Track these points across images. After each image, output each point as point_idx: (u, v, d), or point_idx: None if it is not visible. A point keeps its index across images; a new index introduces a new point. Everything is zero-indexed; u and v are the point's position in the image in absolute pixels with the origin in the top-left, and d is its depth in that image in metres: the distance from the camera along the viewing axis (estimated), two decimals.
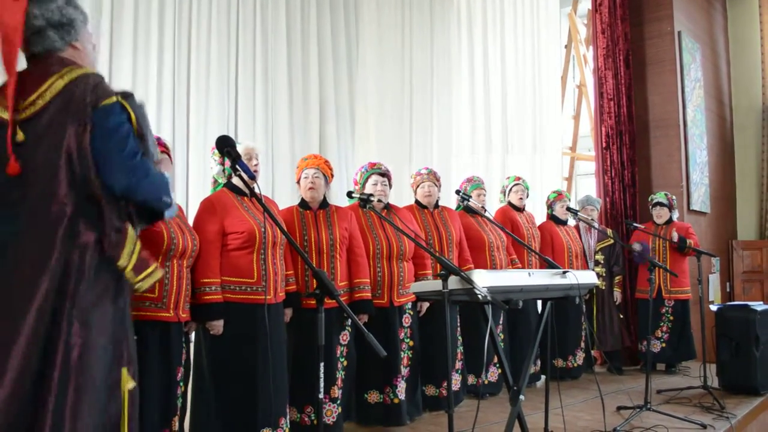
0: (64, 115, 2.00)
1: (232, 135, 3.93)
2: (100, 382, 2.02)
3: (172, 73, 7.06)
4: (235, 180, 3.52)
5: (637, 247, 5.87)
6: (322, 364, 2.12)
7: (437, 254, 3.02)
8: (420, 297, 3.35)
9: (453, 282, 2.68)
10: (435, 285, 2.76)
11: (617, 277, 6.11)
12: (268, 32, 7.88)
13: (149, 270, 2.14)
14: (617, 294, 6.09)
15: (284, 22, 8.04)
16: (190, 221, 3.49)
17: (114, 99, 2.04)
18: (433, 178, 4.73)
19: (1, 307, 1.94)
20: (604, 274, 6.02)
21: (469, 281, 2.57)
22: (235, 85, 7.67)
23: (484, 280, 2.60)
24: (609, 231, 6.17)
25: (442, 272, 2.63)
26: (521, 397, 3.04)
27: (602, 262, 6.03)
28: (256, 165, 3.54)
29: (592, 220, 6.02)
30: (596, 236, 6.07)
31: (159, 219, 2.30)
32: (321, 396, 2.12)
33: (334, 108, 8.55)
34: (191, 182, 6.99)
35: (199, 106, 7.12)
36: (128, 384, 2.09)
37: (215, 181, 3.68)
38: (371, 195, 3.74)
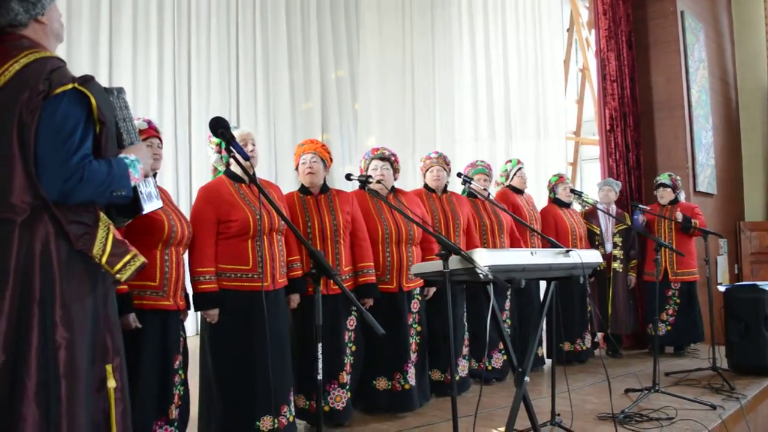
0: (15, 102, 1.92)
1: (234, 124, 3.90)
2: (88, 380, 1.98)
3: (173, 65, 7.05)
4: (233, 167, 3.48)
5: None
6: (320, 345, 2.08)
7: (438, 234, 2.97)
8: (421, 277, 3.31)
9: (454, 262, 2.64)
10: (436, 265, 2.72)
11: (633, 261, 6.07)
12: (268, 20, 7.86)
13: (127, 258, 2.06)
14: (632, 278, 6.05)
15: (284, 9, 8.02)
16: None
17: (69, 86, 1.94)
18: (443, 162, 4.70)
19: None
20: (621, 257, 5.98)
21: (470, 260, 2.53)
22: (236, 75, 7.66)
23: (485, 259, 2.56)
24: (626, 215, 6.12)
25: (443, 252, 2.59)
26: (526, 379, 3.00)
27: (620, 244, 5.98)
28: (252, 150, 3.50)
29: (605, 196, 5.98)
30: (613, 219, 6.02)
31: (138, 213, 2.24)
32: (320, 378, 2.07)
33: (336, 97, 8.53)
34: (194, 173, 7.00)
35: (200, 95, 7.12)
36: (111, 382, 2.03)
37: (215, 170, 3.65)
38: (369, 176, 3.70)
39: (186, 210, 3.57)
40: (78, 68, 5.78)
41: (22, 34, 2.05)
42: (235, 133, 3.50)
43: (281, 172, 7.70)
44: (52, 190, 1.90)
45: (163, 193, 3.22)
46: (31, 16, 2.06)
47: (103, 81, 6.18)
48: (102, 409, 2.03)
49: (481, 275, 2.55)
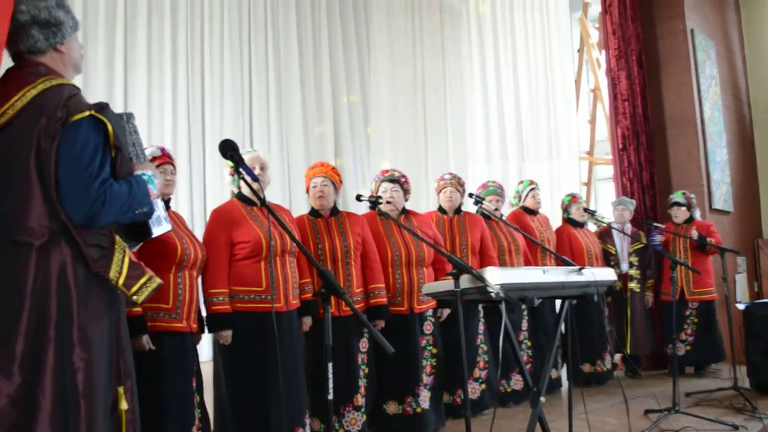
0: (32, 128, 1.94)
1: (247, 147, 3.93)
2: (104, 402, 1.99)
3: (186, 88, 7.13)
4: (244, 189, 3.51)
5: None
6: (330, 365, 2.06)
7: (449, 253, 2.96)
8: (433, 297, 3.29)
9: (465, 281, 2.62)
10: (447, 285, 2.71)
11: (650, 281, 6.00)
12: (280, 44, 7.93)
13: (143, 280, 2.08)
14: (649, 298, 5.98)
15: (295, 33, 8.09)
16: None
17: (87, 113, 1.98)
18: (456, 183, 4.71)
19: None
20: (638, 277, 5.92)
21: (481, 279, 2.51)
22: (249, 99, 7.72)
23: (496, 277, 2.54)
24: (641, 234, 6.07)
25: (454, 271, 2.57)
26: (542, 399, 2.96)
27: (636, 264, 5.92)
28: (260, 173, 3.52)
29: (609, 220, 5.93)
30: (629, 238, 5.97)
31: (147, 237, 2.26)
32: (330, 398, 2.05)
33: (348, 119, 8.57)
34: (209, 194, 7.03)
35: (214, 119, 7.18)
36: (123, 404, 2.04)
37: (232, 193, 3.67)
38: (379, 197, 3.70)
39: (200, 233, 3.60)
40: (93, 92, 5.88)
41: (39, 61, 2.09)
42: (246, 156, 3.53)
43: (294, 195, 7.71)
44: (77, 214, 1.93)
45: (177, 217, 3.26)
46: (50, 44, 2.10)
47: (118, 105, 6.25)
48: (114, 430, 2.03)
49: (492, 294, 2.53)
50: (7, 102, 1.97)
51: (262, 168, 3.52)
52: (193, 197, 6.99)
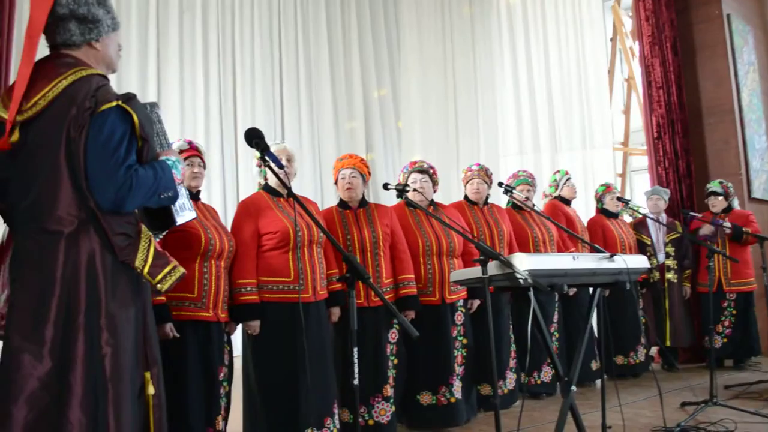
0: (63, 119, 1.98)
1: (278, 141, 3.96)
2: (131, 387, 2.02)
3: (218, 84, 7.24)
4: (271, 181, 3.53)
5: (705, 230, 5.68)
6: (356, 350, 2.05)
7: (476, 240, 2.93)
8: (461, 284, 3.27)
9: (493, 267, 2.59)
10: (475, 272, 2.68)
11: (687, 271, 5.88)
12: (310, 40, 7.98)
13: (168, 269, 2.11)
14: (686, 289, 5.86)
15: (325, 29, 8.14)
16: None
17: (114, 103, 2.01)
18: (483, 174, 4.66)
19: (20, 320, 1.94)
20: (675, 267, 5.80)
21: (509, 265, 2.48)
22: (280, 95, 7.79)
23: (524, 263, 2.51)
24: (677, 223, 5.95)
25: (481, 257, 2.54)
26: (573, 388, 2.91)
27: (672, 254, 5.81)
28: (286, 166, 3.53)
29: (644, 210, 5.82)
30: (664, 228, 5.86)
31: (171, 225, 2.28)
32: (356, 383, 2.04)
33: (379, 114, 8.58)
34: (241, 188, 7.12)
35: (245, 115, 7.27)
36: (150, 388, 2.08)
37: (259, 184, 3.68)
38: (406, 185, 3.69)
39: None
40: (127, 89, 5.99)
41: (72, 54, 2.13)
42: (272, 148, 3.54)
43: (326, 190, 7.76)
44: (105, 200, 1.96)
45: (206, 209, 3.29)
46: (85, 39, 2.14)
47: (152, 100, 6.37)
48: (141, 415, 2.06)
49: (520, 280, 2.49)
50: (39, 93, 2.01)
51: (289, 160, 3.52)
52: (226, 191, 7.10)
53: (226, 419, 3.16)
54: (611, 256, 2.93)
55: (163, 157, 2.16)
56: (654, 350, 6.00)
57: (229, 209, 6.89)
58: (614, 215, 5.71)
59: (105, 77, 2.12)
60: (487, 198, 4.69)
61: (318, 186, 7.89)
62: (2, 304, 2.15)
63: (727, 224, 5.69)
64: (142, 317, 2.11)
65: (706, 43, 6.75)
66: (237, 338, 3.68)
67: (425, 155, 7.74)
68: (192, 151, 3.26)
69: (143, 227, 2.12)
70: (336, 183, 3.96)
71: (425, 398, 3.98)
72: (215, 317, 3.06)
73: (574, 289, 4.88)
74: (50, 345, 1.90)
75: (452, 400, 3.97)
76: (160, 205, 2.15)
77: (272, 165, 2.37)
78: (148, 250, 2.08)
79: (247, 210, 3.44)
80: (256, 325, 3.28)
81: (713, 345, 4.63)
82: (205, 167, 3.36)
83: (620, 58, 8.82)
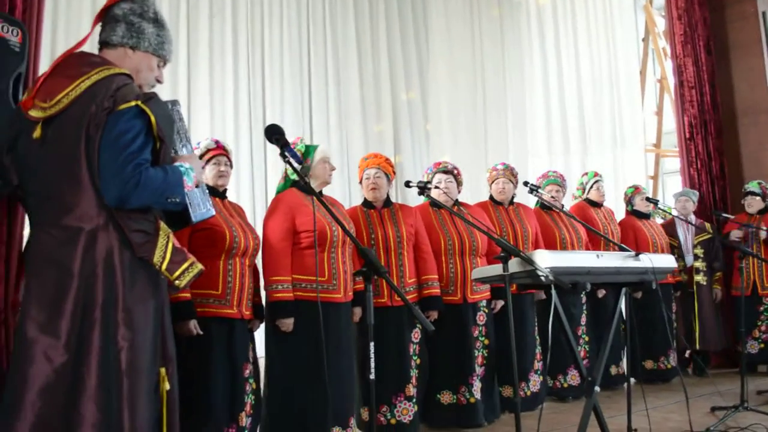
0: (83, 117, 2.01)
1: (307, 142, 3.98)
2: (147, 382, 2.04)
3: (247, 87, 7.30)
4: (302, 180, 3.51)
5: (735, 234, 5.56)
6: (372, 344, 2.04)
7: (497, 236, 2.90)
8: (482, 282, 3.24)
9: (515, 265, 2.57)
10: (497, 269, 2.66)
11: (717, 274, 5.76)
12: (338, 43, 8.00)
13: (185, 265, 2.11)
14: (717, 291, 5.74)
15: (353, 31, 8.15)
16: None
17: (133, 103, 2.02)
18: (509, 174, 4.63)
19: (36, 312, 1.97)
20: (704, 269, 5.69)
21: (530, 262, 2.46)
22: (308, 95, 7.83)
23: (546, 260, 2.48)
24: (707, 224, 5.84)
25: (502, 254, 2.52)
26: (596, 388, 2.87)
27: (702, 256, 5.69)
28: (333, 169, 3.56)
29: (683, 207, 5.71)
30: (693, 230, 5.75)
31: (188, 224, 2.28)
32: (372, 377, 2.04)
33: (407, 116, 8.56)
34: (270, 190, 7.15)
35: (275, 117, 7.31)
36: (165, 385, 2.09)
37: (286, 174, 3.65)
38: (428, 182, 3.68)
39: (260, 223, 3.65)
40: (159, 92, 6.10)
41: (102, 55, 2.18)
42: (319, 150, 3.56)
43: (354, 193, 7.76)
44: (110, 195, 1.98)
45: (232, 207, 3.31)
46: (123, 43, 2.19)
47: (182, 100, 6.44)
48: (155, 411, 2.08)
49: (542, 277, 2.46)
50: (62, 91, 2.04)
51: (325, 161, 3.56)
52: (255, 192, 7.15)
53: (252, 416, 3.16)
54: (636, 255, 2.88)
55: (177, 164, 2.16)
56: (687, 354, 5.88)
57: (258, 209, 6.94)
58: (646, 216, 5.62)
59: (129, 76, 2.14)
60: (513, 198, 4.65)
61: (346, 187, 7.91)
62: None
63: (764, 228, 5.56)
64: (160, 314, 2.13)
65: (741, 41, 6.62)
66: (259, 338, 3.69)
67: (453, 157, 7.70)
68: (219, 150, 3.30)
69: (162, 224, 2.13)
70: (361, 182, 3.96)
71: (446, 397, 3.96)
72: (239, 314, 3.08)
73: (603, 291, 4.81)
74: (66, 338, 1.92)
75: (472, 400, 3.94)
76: (166, 209, 2.14)
77: (292, 161, 2.37)
78: (167, 247, 2.09)
79: (281, 207, 3.42)
80: (289, 322, 3.26)
81: (745, 349, 4.53)
82: (232, 166, 3.37)
83: (653, 59, 8.69)
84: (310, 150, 3.48)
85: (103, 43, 2.20)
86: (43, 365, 1.91)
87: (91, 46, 2.27)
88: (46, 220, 2.04)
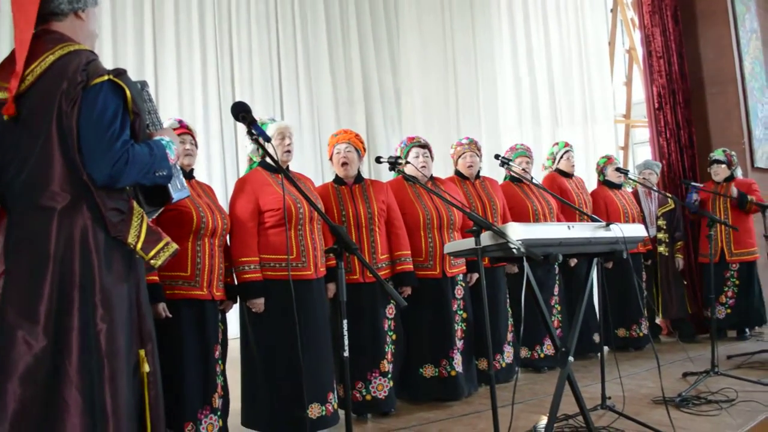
0: (53, 93, 1.97)
1: (278, 121, 3.91)
2: (126, 363, 2.01)
3: (216, 69, 7.19)
4: (269, 158, 3.49)
5: (692, 197, 5.66)
6: (345, 322, 2.03)
7: (470, 211, 2.90)
8: (455, 255, 3.25)
9: (487, 238, 2.56)
10: (469, 243, 2.65)
11: (679, 243, 5.84)
12: (308, 19, 7.92)
13: (161, 245, 2.09)
14: (679, 260, 5.82)
15: (323, 9, 8.07)
16: None
17: (105, 77, 1.99)
18: (474, 147, 4.61)
19: (15, 296, 1.93)
20: (667, 240, 5.76)
21: (502, 234, 2.45)
22: (278, 74, 7.74)
23: (518, 233, 2.47)
24: (669, 195, 5.89)
25: (474, 228, 2.51)
26: (570, 358, 2.88)
27: (664, 227, 5.76)
28: (289, 144, 3.51)
29: (645, 180, 5.75)
30: (657, 201, 5.81)
31: (167, 202, 2.26)
32: (346, 354, 2.03)
33: (378, 91, 8.52)
34: (241, 169, 7.09)
35: (244, 97, 7.21)
36: (145, 366, 2.07)
37: (250, 160, 3.66)
38: (399, 158, 3.66)
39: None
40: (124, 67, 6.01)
41: (58, 30, 2.11)
42: (273, 126, 3.52)
43: (327, 167, 7.72)
44: (100, 175, 1.95)
45: (200, 187, 3.27)
46: (72, 8, 2.12)
47: (149, 81, 6.37)
48: (136, 392, 2.06)
49: (513, 250, 2.46)
50: (27, 68, 1.99)
51: (290, 138, 3.53)
52: (227, 172, 7.08)
53: (223, 397, 3.15)
54: (607, 225, 2.89)
55: (157, 137, 2.15)
56: (660, 321, 5.99)
57: (229, 189, 6.90)
58: (617, 186, 5.67)
59: (94, 53, 2.10)
60: (479, 172, 4.64)
61: (318, 164, 7.86)
62: None
63: (734, 190, 5.63)
64: (136, 294, 2.10)
65: (708, 10, 6.65)
66: (232, 319, 3.68)
67: (426, 130, 7.68)
68: (183, 129, 3.24)
69: (135, 204, 2.10)
70: (331, 159, 3.93)
71: (428, 371, 3.98)
72: (210, 295, 3.05)
73: (575, 260, 4.85)
74: (44, 322, 1.89)
75: (453, 373, 3.97)
76: (154, 183, 2.12)
77: (260, 140, 2.33)
78: (141, 226, 2.07)
79: (246, 187, 3.42)
80: (260, 302, 3.28)
81: (714, 315, 4.61)
82: (197, 146, 3.33)
83: (621, 29, 8.71)
84: (263, 127, 3.43)
85: (50, 15, 2.10)
86: (23, 351, 1.87)
87: None
88: (23, 204, 2.00)
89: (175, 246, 2.14)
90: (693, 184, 5.62)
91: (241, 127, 6.93)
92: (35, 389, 1.86)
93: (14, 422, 1.84)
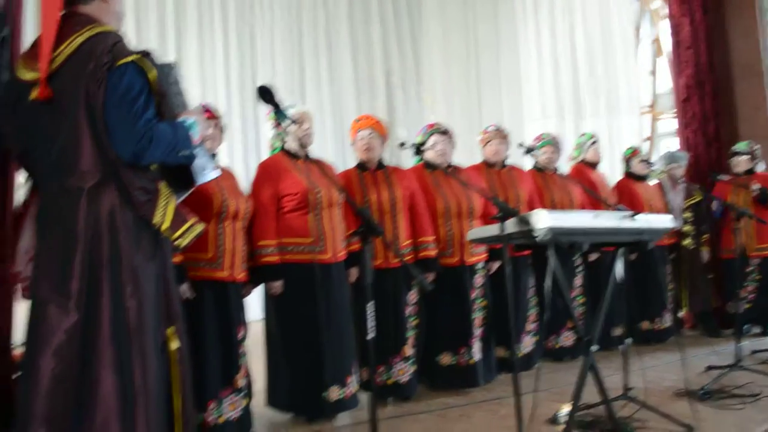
0: (81, 74, 1.99)
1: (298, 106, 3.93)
2: (154, 341, 2.04)
3: (238, 52, 7.21)
4: (289, 144, 3.52)
5: (715, 205, 5.57)
6: (371, 304, 2.02)
7: (494, 197, 2.88)
8: (479, 242, 3.24)
9: (512, 225, 2.54)
10: (493, 230, 2.63)
11: (705, 236, 5.76)
12: (329, 3, 7.89)
13: (187, 225, 2.12)
14: (705, 253, 5.74)
15: (345, 2, 8.04)
16: None
17: (131, 58, 2.02)
18: (501, 135, 4.58)
19: (47, 274, 1.97)
20: (693, 233, 5.68)
21: (527, 222, 2.43)
22: (299, 58, 7.75)
23: (543, 220, 2.45)
24: (696, 186, 5.81)
25: (499, 214, 2.49)
26: (593, 347, 2.86)
27: (690, 220, 5.68)
28: (307, 128, 3.52)
29: (672, 173, 5.66)
30: (683, 193, 5.73)
31: (192, 185, 2.27)
32: (371, 336, 2.03)
33: (401, 80, 8.49)
34: (263, 152, 7.12)
35: (266, 79, 7.23)
36: (174, 343, 2.10)
37: (272, 146, 3.68)
38: (423, 143, 3.66)
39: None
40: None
41: (85, 12, 2.13)
42: (292, 111, 3.53)
43: (348, 152, 7.71)
44: (125, 152, 1.98)
45: (224, 172, 3.27)
46: None
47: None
48: (164, 370, 2.09)
49: (538, 237, 2.44)
50: (56, 50, 2.02)
51: (309, 123, 3.54)
52: (248, 156, 7.12)
53: (246, 378, 3.18)
54: (633, 215, 2.85)
55: (182, 118, 2.17)
56: (683, 314, 5.92)
57: (251, 173, 6.93)
58: (642, 178, 5.60)
59: (120, 35, 2.12)
60: (504, 160, 4.61)
61: (339, 148, 7.87)
62: (25, 266, 2.18)
63: (756, 185, 5.54)
64: (163, 272, 2.13)
65: (737, 0, 6.52)
66: (254, 303, 3.71)
67: (448, 120, 7.65)
68: (207, 114, 3.24)
69: (163, 184, 2.13)
70: (354, 144, 3.93)
71: (445, 359, 3.98)
72: (232, 277, 3.08)
73: (597, 254, 4.82)
74: (76, 298, 1.93)
75: (471, 361, 3.96)
76: (178, 163, 2.15)
77: (284, 123, 2.33)
78: (167, 206, 2.09)
79: (267, 172, 3.46)
80: (278, 285, 3.32)
81: (739, 309, 4.55)
82: (222, 131, 3.33)
83: (647, 19, 8.59)
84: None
85: (75, 8, 2.13)
86: (56, 326, 1.91)
87: None
88: (53, 184, 2.03)
89: (201, 226, 2.17)
90: (719, 177, 5.53)
91: (263, 111, 6.97)
92: (67, 364, 1.90)
93: (48, 397, 1.87)
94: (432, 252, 3.86)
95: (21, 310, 2.20)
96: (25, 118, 2.08)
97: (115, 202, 2.00)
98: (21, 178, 2.30)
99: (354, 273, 3.62)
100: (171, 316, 2.13)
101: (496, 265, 4.22)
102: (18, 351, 2.33)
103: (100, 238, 1.97)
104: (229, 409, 3.03)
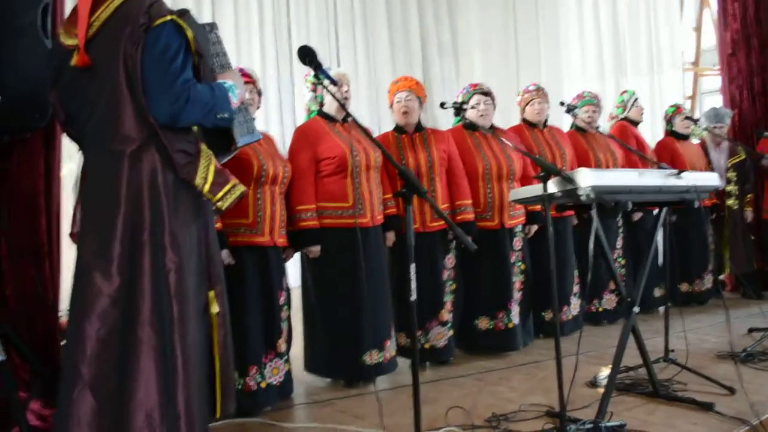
0: (118, 37, 1.98)
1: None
2: (195, 304, 2.05)
3: (272, 14, 7.17)
4: (327, 107, 3.49)
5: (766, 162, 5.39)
6: (413, 266, 2.01)
7: (536, 156, 2.83)
8: (520, 203, 3.19)
9: (554, 185, 2.50)
10: (535, 189, 2.59)
11: (748, 195, 5.61)
12: None
13: (228, 187, 2.10)
14: (748, 213, 5.60)
15: None
16: None
17: (168, 18, 1.99)
18: (542, 94, 4.48)
19: (90, 238, 1.99)
20: (736, 193, 5.54)
21: (571, 180, 2.39)
22: (334, 21, 7.69)
23: (587, 179, 2.40)
24: (740, 144, 5.64)
25: (541, 174, 2.44)
26: (635, 309, 2.82)
27: (734, 179, 5.54)
28: (346, 91, 3.47)
29: (717, 131, 5.50)
30: (727, 152, 5.57)
31: (233, 146, 2.26)
32: (413, 299, 2.02)
33: (437, 47, 8.38)
34: (298, 118, 7.12)
35: (300, 41, 7.20)
36: (214, 307, 2.11)
37: (308, 109, 3.64)
38: (464, 103, 3.59)
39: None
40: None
41: None
42: (331, 73, 3.49)
43: (383, 115, 7.67)
44: (161, 112, 1.96)
45: (263, 137, 3.27)
46: None
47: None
48: (205, 333, 2.10)
49: (582, 196, 2.40)
50: (93, 14, 2.02)
51: (348, 85, 3.48)
52: (284, 119, 7.12)
53: (288, 342, 3.21)
54: (679, 173, 2.78)
55: (220, 80, 2.15)
56: (724, 276, 5.82)
57: (287, 137, 6.94)
58: (685, 137, 5.46)
59: None
60: (546, 120, 4.53)
61: (374, 112, 7.82)
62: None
63: None
64: (204, 236, 2.13)
65: None
66: (294, 268, 3.73)
67: (485, 80, 7.54)
68: (244, 78, 3.22)
69: (203, 146, 2.11)
70: (391, 107, 3.88)
71: (483, 323, 3.96)
72: (272, 242, 3.08)
73: (640, 214, 4.74)
74: (118, 262, 1.94)
75: (510, 325, 3.95)
76: (215, 126, 2.12)
77: (326, 83, 2.31)
78: (208, 168, 2.08)
79: (304, 136, 3.43)
80: (316, 249, 3.32)
81: None
82: (259, 95, 3.31)
83: None
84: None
85: None
86: (99, 290, 1.93)
87: None
88: (95, 148, 2.04)
89: (242, 188, 2.15)
90: (765, 134, 5.36)
91: (298, 76, 6.93)
92: (111, 327, 1.92)
93: (94, 360, 1.90)
94: (470, 215, 3.82)
95: (67, 279, 2.24)
96: (68, 85, 2.08)
97: (156, 165, 1.99)
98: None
99: (391, 237, 3.61)
100: (212, 280, 2.13)
101: (534, 229, 4.17)
102: (64, 319, 2.38)
103: (141, 202, 1.97)
104: (273, 373, 3.06)
